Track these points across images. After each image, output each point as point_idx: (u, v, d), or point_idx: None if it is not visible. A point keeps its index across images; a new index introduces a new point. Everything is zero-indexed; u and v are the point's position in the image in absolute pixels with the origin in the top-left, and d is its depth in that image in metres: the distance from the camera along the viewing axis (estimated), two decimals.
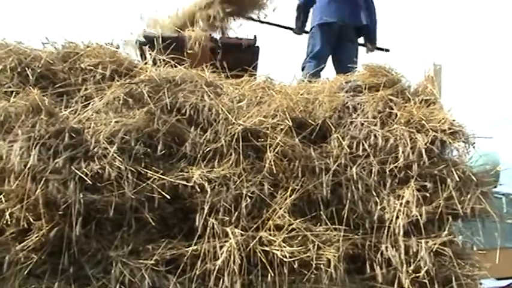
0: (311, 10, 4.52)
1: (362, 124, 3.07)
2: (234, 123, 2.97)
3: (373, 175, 2.87)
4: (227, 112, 3.03)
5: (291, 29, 4.65)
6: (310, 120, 3.07)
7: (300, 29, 4.56)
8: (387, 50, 4.60)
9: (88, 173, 2.64)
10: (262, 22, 4.67)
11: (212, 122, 3.01)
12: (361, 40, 4.60)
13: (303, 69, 4.24)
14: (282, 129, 2.96)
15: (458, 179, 2.82)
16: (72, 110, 2.99)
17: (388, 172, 2.87)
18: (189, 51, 3.92)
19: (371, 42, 4.52)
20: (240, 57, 3.90)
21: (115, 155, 2.73)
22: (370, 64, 3.40)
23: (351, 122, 3.11)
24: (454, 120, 3.04)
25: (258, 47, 4.17)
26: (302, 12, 4.53)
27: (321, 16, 4.31)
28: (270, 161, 2.85)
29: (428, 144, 2.92)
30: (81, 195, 2.57)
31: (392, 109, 3.12)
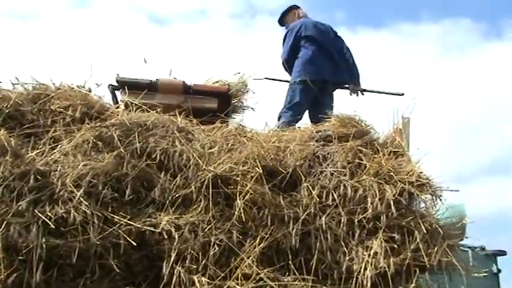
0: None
1: (332, 174, 3.08)
2: (204, 169, 2.95)
3: (342, 225, 2.86)
4: (198, 158, 3.01)
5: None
6: (280, 168, 3.07)
7: None
8: (402, 94, 4.63)
9: (52, 216, 2.57)
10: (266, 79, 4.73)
11: (182, 168, 2.99)
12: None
13: (279, 118, 4.29)
14: (252, 177, 2.95)
15: (425, 231, 2.83)
16: (39, 152, 2.94)
17: (356, 222, 2.87)
18: (161, 97, 3.88)
19: (355, 88, 4.63)
20: (213, 104, 3.89)
21: (81, 198, 2.67)
22: (340, 115, 3.45)
23: (321, 172, 3.12)
24: (421, 173, 3.07)
25: (230, 95, 4.17)
26: (288, 68, 4.62)
27: (302, 73, 4.40)
28: (240, 209, 2.82)
29: (396, 195, 2.94)
30: (44, 240, 2.48)
31: (361, 160, 3.14)
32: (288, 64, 4.59)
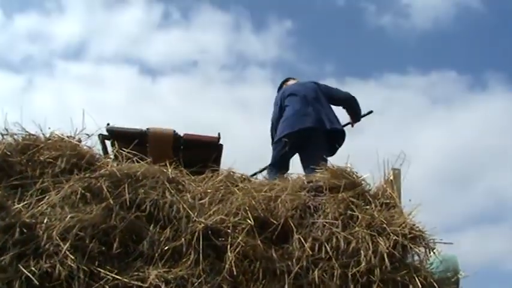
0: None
1: (324, 225, 3.02)
2: (195, 221, 2.90)
3: (335, 279, 2.78)
4: (188, 209, 2.96)
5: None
6: (272, 219, 3.02)
7: None
8: (371, 112, 4.74)
9: (36, 272, 2.46)
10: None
11: (172, 220, 2.93)
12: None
13: (267, 173, 4.27)
14: (243, 229, 2.90)
15: (420, 286, 2.76)
16: (26, 204, 2.87)
17: (350, 276, 2.79)
18: (152, 147, 3.86)
19: (354, 118, 4.68)
20: (203, 154, 3.84)
21: (67, 252, 2.59)
22: (331, 166, 3.41)
23: (313, 223, 3.07)
24: (414, 225, 3.02)
25: (221, 144, 4.14)
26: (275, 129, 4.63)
27: (282, 130, 4.42)
28: (231, 262, 2.76)
29: (390, 248, 2.88)
30: None
31: (353, 211, 3.10)
32: (274, 127, 4.62)
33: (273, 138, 4.61)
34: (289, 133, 4.34)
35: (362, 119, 4.75)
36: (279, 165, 4.27)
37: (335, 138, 4.46)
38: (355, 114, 4.71)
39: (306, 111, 4.43)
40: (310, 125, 4.35)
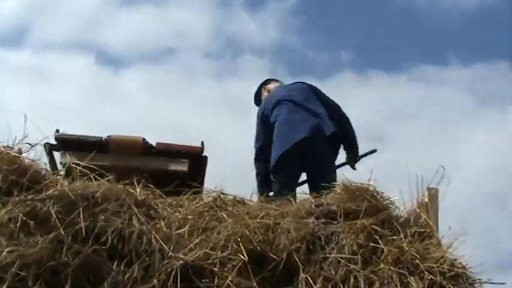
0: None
1: (338, 261, 3.06)
2: (171, 256, 2.94)
3: None
4: (162, 242, 3.00)
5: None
6: (271, 254, 3.06)
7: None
8: (374, 151, 4.78)
9: None
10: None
11: (142, 254, 2.97)
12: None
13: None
14: (234, 266, 2.94)
15: None
16: None
17: None
18: (114, 160, 3.92)
19: (351, 154, 4.70)
20: (182, 169, 3.89)
21: None
22: (348, 183, 3.45)
23: (324, 258, 3.10)
24: (455, 260, 3.07)
25: (205, 156, 4.19)
26: (264, 158, 4.64)
27: (277, 151, 4.46)
28: None
29: None
30: None
31: (377, 243, 3.13)
32: (265, 152, 4.63)
33: (263, 174, 4.60)
34: (284, 152, 4.39)
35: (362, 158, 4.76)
36: (293, 187, 4.31)
37: (342, 143, 4.59)
38: (351, 146, 4.74)
39: (297, 118, 4.52)
40: (305, 135, 4.42)
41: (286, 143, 4.44)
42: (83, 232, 2.97)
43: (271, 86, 5.09)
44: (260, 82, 5.21)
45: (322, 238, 3.18)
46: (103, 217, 3.06)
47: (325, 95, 4.81)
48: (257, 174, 4.68)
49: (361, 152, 4.76)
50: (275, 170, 4.45)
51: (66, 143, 3.98)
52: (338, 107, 4.78)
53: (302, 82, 4.90)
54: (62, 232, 2.92)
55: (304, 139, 4.41)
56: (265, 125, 4.69)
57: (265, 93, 5.08)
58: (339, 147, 4.67)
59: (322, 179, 3.72)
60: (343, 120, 4.73)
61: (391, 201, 3.39)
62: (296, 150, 4.40)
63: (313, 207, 3.39)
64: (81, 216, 3.02)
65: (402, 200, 3.43)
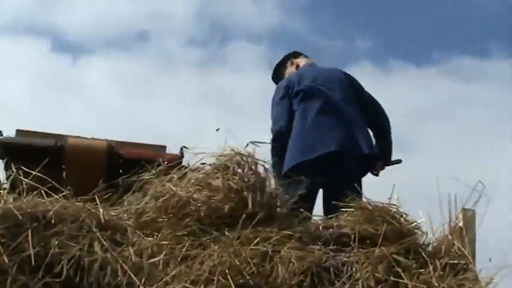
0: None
1: None
2: None
3: None
4: (131, 273, 2.99)
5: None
6: None
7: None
8: (399, 161, 4.77)
9: None
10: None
11: None
12: None
13: None
14: None
15: None
16: None
17: None
18: (72, 170, 3.92)
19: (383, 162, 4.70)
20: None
21: None
22: (365, 203, 3.47)
23: None
24: None
25: (186, 166, 4.15)
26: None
27: (293, 157, 4.40)
28: None
29: None
30: None
31: (399, 277, 3.12)
32: (284, 138, 4.58)
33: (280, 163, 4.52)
34: (303, 162, 4.33)
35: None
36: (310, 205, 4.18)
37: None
38: (386, 151, 4.74)
39: (328, 123, 4.47)
40: (334, 148, 4.37)
41: (308, 150, 4.37)
42: (32, 260, 2.95)
43: (301, 61, 5.00)
44: (286, 54, 5.10)
45: (331, 270, 3.15)
46: (57, 242, 3.06)
47: (367, 93, 4.79)
48: (274, 155, 4.53)
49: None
50: (286, 179, 4.31)
51: (11, 149, 3.98)
52: (380, 111, 4.77)
53: (340, 70, 4.84)
54: (6, 260, 2.91)
55: (332, 153, 4.35)
56: (288, 106, 4.62)
57: (291, 69, 4.99)
58: (371, 167, 4.62)
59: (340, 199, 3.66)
60: (388, 125, 4.75)
61: (417, 225, 3.41)
62: (318, 163, 4.33)
63: (321, 230, 3.40)
64: (30, 240, 3.01)
65: (431, 223, 3.45)
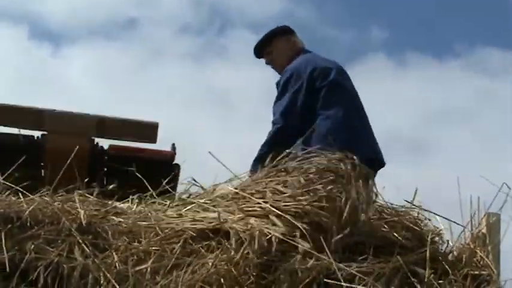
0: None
1: None
2: None
3: None
4: (115, 282, 2.97)
5: None
6: None
7: None
8: None
9: None
10: None
11: None
12: None
13: None
14: None
15: None
16: None
17: None
18: (51, 167, 3.82)
19: None
20: (145, 179, 3.82)
21: None
22: (380, 206, 3.48)
23: None
24: None
25: (177, 164, 4.12)
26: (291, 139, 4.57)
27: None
28: None
29: None
30: None
31: None
32: (292, 132, 4.58)
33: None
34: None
35: None
36: None
37: None
38: None
39: (360, 124, 4.58)
40: (371, 155, 4.38)
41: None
42: (6, 267, 2.95)
43: (298, 42, 4.96)
44: (277, 26, 5.04)
45: (342, 280, 3.08)
46: (33, 247, 3.05)
47: None
48: (271, 145, 4.52)
49: None
50: None
51: None
52: None
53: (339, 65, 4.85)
54: None
55: (371, 161, 4.25)
56: (304, 95, 4.58)
57: (286, 44, 4.94)
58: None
59: None
60: None
61: (437, 231, 3.42)
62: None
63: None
64: (3, 244, 3.01)
65: (451, 230, 3.46)
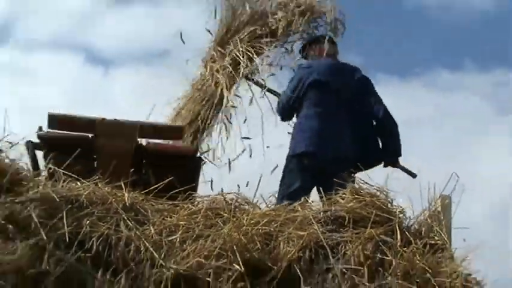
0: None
1: (343, 273, 3.06)
2: (161, 265, 2.95)
3: None
4: (152, 249, 3.00)
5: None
6: (270, 264, 3.07)
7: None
8: (414, 176, 4.56)
9: None
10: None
11: (129, 263, 2.99)
12: None
13: None
14: (229, 276, 2.95)
15: None
16: None
17: None
18: (102, 160, 3.88)
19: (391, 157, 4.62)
20: (174, 172, 3.85)
21: None
22: (358, 190, 3.45)
23: (328, 269, 3.10)
24: (469, 275, 3.06)
25: (200, 157, 4.18)
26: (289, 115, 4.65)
27: (301, 143, 4.41)
28: None
29: None
30: None
31: (385, 254, 3.12)
32: (290, 112, 4.63)
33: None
34: (307, 152, 4.37)
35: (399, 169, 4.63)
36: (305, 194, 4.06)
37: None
38: (393, 153, 4.62)
39: (333, 128, 4.43)
40: (332, 155, 4.35)
41: (308, 145, 4.39)
42: (66, 238, 2.97)
43: (325, 49, 4.81)
44: (319, 34, 5.03)
45: (327, 247, 3.16)
46: (88, 222, 3.07)
47: (375, 95, 4.65)
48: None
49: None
50: (289, 161, 4.40)
51: (49, 142, 3.93)
52: (384, 116, 4.61)
53: (356, 68, 4.71)
54: (44, 238, 2.91)
55: (338, 159, 4.34)
56: (300, 90, 4.57)
57: (314, 51, 4.87)
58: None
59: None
60: (386, 131, 4.64)
61: (402, 209, 3.40)
62: (318, 164, 4.36)
63: (320, 213, 3.39)
64: (65, 220, 3.02)
65: (412, 209, 3.44)
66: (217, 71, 4.72)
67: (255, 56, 4.83)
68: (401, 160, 4.64)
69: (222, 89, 4.71)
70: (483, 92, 17.23)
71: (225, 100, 4.69)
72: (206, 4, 5.10)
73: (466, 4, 17.18)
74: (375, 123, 4.65)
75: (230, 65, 4.74)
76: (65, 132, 4.00)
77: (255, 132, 4.77)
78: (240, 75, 4.76)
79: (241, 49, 4.78)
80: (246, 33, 4.88)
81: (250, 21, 4.91)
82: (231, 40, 4.91)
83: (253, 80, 4.84)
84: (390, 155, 4.62)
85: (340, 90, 4.55)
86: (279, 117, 4.76)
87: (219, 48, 4.89)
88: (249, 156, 4.71)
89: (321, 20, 5.16)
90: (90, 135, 4.01)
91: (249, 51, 4.78)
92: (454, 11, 17.02)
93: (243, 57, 4.76)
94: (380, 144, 4.65)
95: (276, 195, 4.19)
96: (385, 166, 4.63)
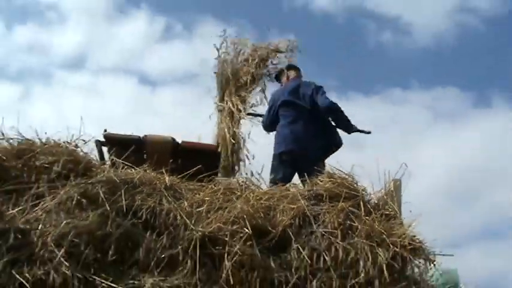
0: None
1: (323, 235, 3.03)
2: (192, 229, 2.91)
3: None
4: (185, 217, 2.98)
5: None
6: (270, 228, 3.04)
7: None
8: (368, 132, 4.52)
9: (30, 278, 2.46)
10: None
11: (169, 227, 2.95)
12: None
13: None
14: (241, 237, 2.91)
15: None
16: (20, 209, 2.86)
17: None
18: (149, 154, 3.89)
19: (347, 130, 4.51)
20: (201, 162, 3.84)
21: (62, 259, 2.59)
22: (333, 174, 3.41)
23: (312, 232, 3.07)
24: (414, 236, 3.03)
25: (220, 152, 4.16)
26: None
27: (280, 145, 4.40)
28: (227, 271, 2.77)
29: (389, 259, 2.89)
30: None
31: (353, 221, 3.10)
32: (271, 126, 4.61)
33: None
34: (284, 151, 4.35)
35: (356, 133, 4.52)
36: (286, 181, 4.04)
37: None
38: (345, 127, 4.48)
39: (298, 130, 4.37)
40: (300, 150, 4.31)
41: (285, 145, 4.37)
42: (124, 209, 2.96)
43: (292, 73, 4.76)
44: (287, 64, 4.92)
45: (311, 216, 3.14)
46: (139, 197, 3.06)
47: (323, 94, 4.47)
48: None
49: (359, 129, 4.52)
50: (275, 158, 4.36)
51: (112, 140, 3.97)
52: (330, 103, 4.41)
53: (314, 85, 4.52)
54: (108, 209, 2.90)
55: (299, 152, 4.31)
56: (273, 113, 4.54)
57: (283, 77, 4.80)
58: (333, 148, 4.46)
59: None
60: (333, 112, 4.46)
61: (364, 188, 3.37)
62: (293, 155, 4.33)
63: (306, 192, 3.35)
64: (123, 196, 3.01)
65: (373, 188, 3.40)
66: (221, 121, 4.65)
67: (241, 104, 4.75)
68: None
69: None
70: (424, 104, 17.28)
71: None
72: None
73: (412, 43, 17.17)
74: (326, 113, 4.48)
75: (228, 114, 4.67)
76: (122, 133, 4.02)
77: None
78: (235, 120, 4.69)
79: (233, 101, 4.73)
80: (233, 88, 4.80)
81: (233, 78, 4.84)
82: (225, 94, 4.83)
83: (248, 114, 4.80)
84: (344, 124, 4.49)
85: (301, 103, 4.46)
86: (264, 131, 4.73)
87: (219, 103, 4.79)
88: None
89: (280, 55, 5.04)
90: (141, 136, 4.01)
91: (237, 104, 4.71)
92: (403, 47, 17.03)
93: (234, 106, 4.70)
94: (334, 133, 4.52)
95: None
96: (349, 133, 4.50)
